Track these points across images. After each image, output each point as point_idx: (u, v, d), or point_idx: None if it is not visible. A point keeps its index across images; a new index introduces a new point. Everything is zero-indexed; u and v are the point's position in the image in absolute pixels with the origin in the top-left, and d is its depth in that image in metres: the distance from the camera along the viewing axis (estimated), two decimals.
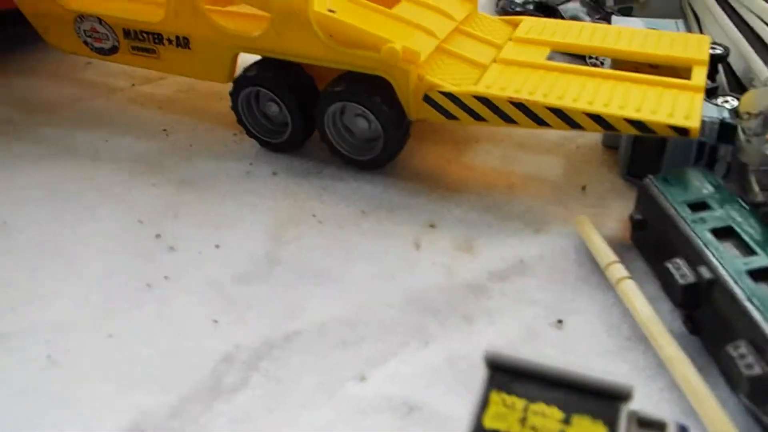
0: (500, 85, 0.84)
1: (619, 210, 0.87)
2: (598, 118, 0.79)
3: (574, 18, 1.18)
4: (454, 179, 0.94)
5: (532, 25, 0.98)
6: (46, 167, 1.00)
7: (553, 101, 0.80)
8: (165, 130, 1.07)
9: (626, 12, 1.25)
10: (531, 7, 1.21)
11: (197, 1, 0.93)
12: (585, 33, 0.96)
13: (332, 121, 0.93)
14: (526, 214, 0.88)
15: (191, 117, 1.10)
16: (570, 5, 1.20)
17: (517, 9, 1.23)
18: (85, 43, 1.09)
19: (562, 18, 1.18)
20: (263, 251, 0.83)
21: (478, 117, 0.85)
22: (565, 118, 0.80)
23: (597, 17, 1.18)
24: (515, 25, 1.01)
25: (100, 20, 1.04)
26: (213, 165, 0.99)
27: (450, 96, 0.85)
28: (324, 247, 0.84)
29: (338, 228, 0.86)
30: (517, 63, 0.88)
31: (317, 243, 0.84)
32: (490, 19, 1.02)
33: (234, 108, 0.99)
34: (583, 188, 0.91)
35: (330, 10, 0.88)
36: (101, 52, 1.09)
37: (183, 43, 0.99)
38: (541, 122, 0.82)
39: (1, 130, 1.09)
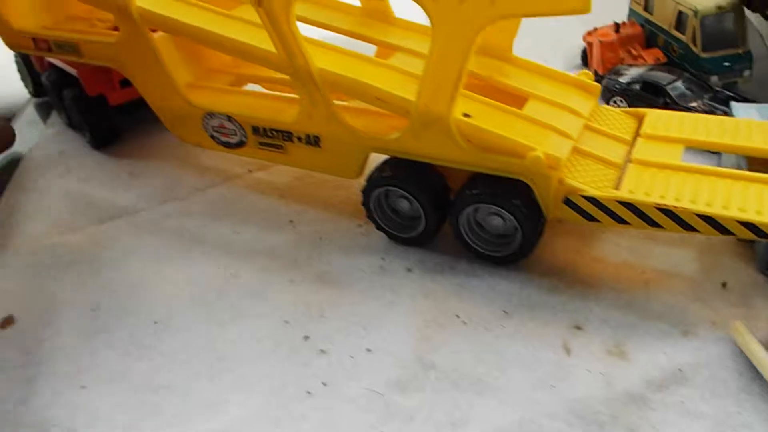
0: (643, 189, 0.86)
1: (767, 310, 0.87)
2: (752, 227, 0.80)
3: (682, 97, 1.19)
4: (588, 274, 0.95)
5: (658, 119, 1.00)
6: (184, 263, 1.04)
7: (703, 208, 0.81)
8: (291, 221, 1.11)
9: (729, 86, 1.26)
10: (637, 86, 1.23)
11: (332, 105, 0.97)
12: (714, 128, 0.97)
13: (466, 221, 0.96)
14: (668, 313, 0.88)
15: (313, 206, 1.14)
16: (678, 84, 1.21)
17: (622, 87, 1.25)
18: (212, 137, 1.14)
19: (671, 97, 1.19)
20: (414, 355, 0.85)
21: (620, 221, 0.86)
22: (716, 225, 0.81)
23: (706, 97, 1.19)
24: (639, 117, 1.02)
25: (230, 118, 1.09)
26: (345, 260, 1.02)
27: (592, 200, 0.86)
28: (473, 350, 0.85)
29: (484, 330, 0.88)
30: (654, 164, 0.90)
31: (466, 347, 0.86)
32: (613, 111, 1.03)
33: (365, 205, 1.02)
34: (724, 285, 0.91)
35: (465, 114, 0.91)
36: (227, 145, 1.14)
37: (314, 141, 1.03)
38: (688, 228, 0.83)
39: (133, 221, 1.14)
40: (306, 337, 0.89)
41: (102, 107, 1.33)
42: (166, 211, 1.17)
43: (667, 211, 0.83)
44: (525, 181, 0.89)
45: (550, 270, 0.96)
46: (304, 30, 0.97)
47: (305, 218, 1.12)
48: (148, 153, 1.35)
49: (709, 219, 0.81)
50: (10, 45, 1.31)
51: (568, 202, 0.88)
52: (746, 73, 1.28)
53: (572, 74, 1.05)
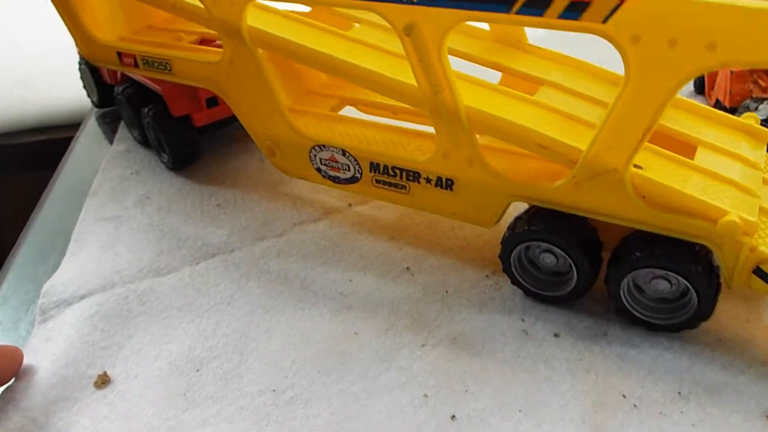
0: None
1: None
2: None
3: None
4: (766, 349, 0.84)
5: None
6: (296, 315, 0.93)
7: None
8: (408, 268, 1.00)
9: None
10: None
11: (478, 148, 0.86)
12: None
13: (627, 285, 0.85)
14: None
15: (430, 251, 1.03)
16: None
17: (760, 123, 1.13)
18: (318, 170, 1.03)
19: None
20: None
21: None
22: None
23: None
24: None
25: (344, 152, 0.98)
26: (480, 319, 0.91)
27: None
28: None
29: (659, 415, 0.76)
30: None
31: None
32: None
33: (504, 259, 0.91)
34: None
35: (636, 166, 0.80)
36: (335, 180, 1.03)
37: (446, 184, 0.92)
38: None
39: (229, 262, 1.03)
40: (453, 417, 0.78)
41: (185, 127, 1.22)
42: (264, 250, 1.06)
43: None
44: (707, 245, 0.78)
45: (719, 343, 0.85)
46: None
47: (423, 265, 1.01)
48: (233, 180, 1.24)
49: None
50: (92, 58, 1.20)
51: (759, 272, 0.77)
52: None
53: (737, 117, 0.94)
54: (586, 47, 0.97)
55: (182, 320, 0.94)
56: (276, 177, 1.23)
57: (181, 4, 1.01)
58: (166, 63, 1.09)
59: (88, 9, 1.17)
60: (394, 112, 1.13)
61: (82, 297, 0.99)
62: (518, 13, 0.72)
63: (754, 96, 1.24)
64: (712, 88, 1.33)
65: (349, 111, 1.14)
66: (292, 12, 1.03)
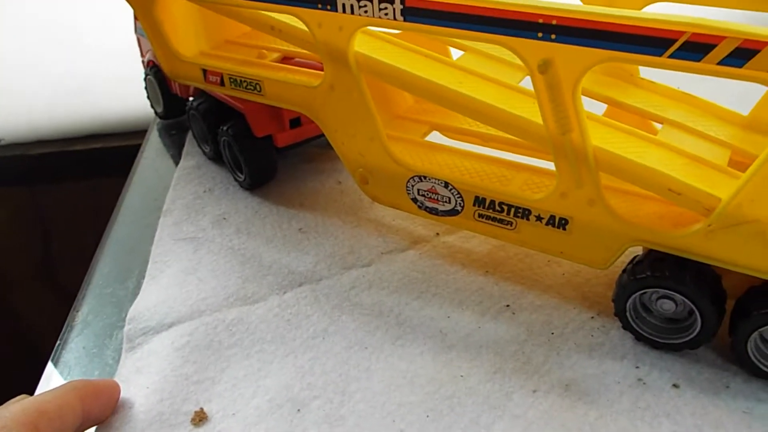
0: None
1: None
2: None
3: None
4: None
5: None
6: (396, 353, 0.89)
7: None
8: (508, 306, 0.96)
9: None
10: None
11: (602, 190, 0.82)
12: None
13: (754, 339, 0.81)
14: None
15: (528, 287, 0.99)
16: None
17: None
18: (414, 200, 1.00)
19: None
20: None
21: None
22: None
23: None
24: None
25: (447, 184, 0.95)
26: (591, 365, 0.86)
27: None
28: None
29: None
30: None
31: None
32: None
33: (618, 303, 0.87)
34: None
35: None
36: (432, 212, 0.99)
37: (560, 224, 0.88)
38: None
39: (318, 292, 1.00)
40: None
41: (265, 147, 1.19)
42: (353, 281, 1.02)
43: None
44: None
45: None
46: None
47: (524, 303, 0.97)
48: (311, 202, 1.21)
49: None
50: (174, 75, 1.17)
51: None
52: None
53: None
54: (693, 82, 0.93)
55: (276, 354, 0.91)
56: (356, 200, 1.20)
57: (283, 26, 0.98)
58: (257, 84, 1.06)
59: (172, 24, 1.15)
60: (484, 140, 1.10)
61: (170, 325, 0.96)
62: (673, 57, 0.68)
63: None
64: None
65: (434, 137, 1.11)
66: (394, 36, 1.00)
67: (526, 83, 0.96)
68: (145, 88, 1.53)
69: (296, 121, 1.17)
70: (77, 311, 1.04)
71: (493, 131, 1.04)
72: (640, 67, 1.01)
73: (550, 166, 0.88)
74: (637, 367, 0.86)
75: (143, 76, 1.51)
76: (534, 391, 0.84)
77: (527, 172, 0.95)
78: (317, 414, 0.83)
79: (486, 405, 0.82)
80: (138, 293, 1.04)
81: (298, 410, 0.83)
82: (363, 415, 0.82)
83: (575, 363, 0.87)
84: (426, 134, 1.10)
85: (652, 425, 0.79)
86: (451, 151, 1.01)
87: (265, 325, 0.95)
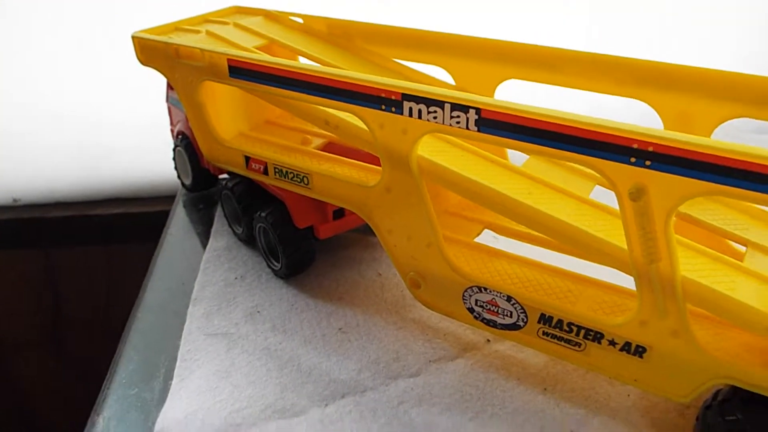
0: None
1: None
2: None
3: None
4: None
5: None
6: None
7: None
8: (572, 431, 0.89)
9: None
10: None
11: (688, 323, 0.75)
12: None
13: None
14: None
15: (593, 410, 0.90)
16: None
17: None
18: (471, 310, 0.93)
19: None
20: None
21: None
22: None
23: None
24: None
25: (510, 298, 0.89)
26: None
27: None
28: None
29: None
30: None
31: None
32: None
33: None
34: None
35: None
36: (490, 324, 0.92)
37: (636, 351, 0.82)
38: None
39: (362, 405, 0.91)
40: None
41: (306, 237, 1.13)
42: (401, 394, 0.94)
43: None
44: None
45: None
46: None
47: (590, 431, 0.90)
48: (351, 296, 1.14)
49: None
50: (215, 160, 1.12)
51: None
52: None
53: None
54: None
55: None
56: (398, 296, 1.13)
57: (336, 121, 0.93)
58: (306, 177, 1.00)
59: (214, 107, 1.10)
60: (542, 243, 1.04)
61: None
62: None
63: None
64: None
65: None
66: (458, 139, 0.95)
67: (596, 194, 0.91)
68: (173, 158, 1.48)
69: (340, 212, 1.11)
70: (98, 415, 0.95)
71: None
72: None
73: (618, 280, 0.82)
74: None
75: (173, 146, 1.46)
76: None
77: (595, 288, 0.89)
78: None
79: None
80: (165, 396, 0.96)
81: None
82: None
83: None
84: (478, 234, 1.04)
85: None
86: (511, 259, 0.95)
87: None
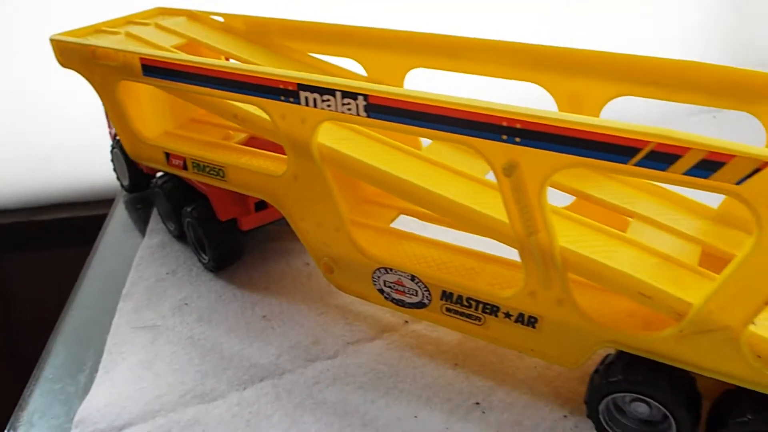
0: None
1: None
2: None
3: None
4: None
5: None
6: None
7: None
8: (478, 404, 0.92)
9: None
10: None
11: (570, 292, 0.80)
12: None
13: None
14: None
15: (499, 383, 0.95)
16: None
17: None
18: (381, 291, 0.97)
19: None
20: None
21: None
22: None
23: None
24: None
25: (413, 277, 0.92)
26: None
27: None
28: None
29: None
30: None
31: None
32: None
33: (591, 406, 0.83)
34: None
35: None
36: (399, 303, 0.96)
37: (528, 321, 0.86)
38: None
39: (279, 387, 0.94)
40: None
41: (230, 230, 1.16)
42: (317, 374, 0.98)
43: None
44: None
45: None
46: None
47: (494, 401, 0.93)
48: (277, 286, 1.17)
49: None
50: (137, 158, 1.15)
51: None
52: None
53: None
54: None
55: None
56: (324, 285, 1.17)
57: (244, 114, 0.97)
58: (220, 169, 1.03)
59: (137, 106, 1.13)
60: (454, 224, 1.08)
61: (120, 429, 0.90)
62: (638, 165, 0.67)
63: None
64: None
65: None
66: (360, 126, 0.98)
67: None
68: (112, 160, 1.50)
69: (262, 204, 1.14)
70: (22, 411, 0.97)
71: None
72: None
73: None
74: None
75: (110, 148, 1.48)
76: None
77: (496, 265, 0.93)
78: None
79: None
80: (90, 389, 0.99)
81: None
82: None
83: None
84: (393, 220, 1.08)
85: None
86: (419, 241, 0.98)
87: (223, 427, 0.90)
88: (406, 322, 1.07)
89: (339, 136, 0.94)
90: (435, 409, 0.91)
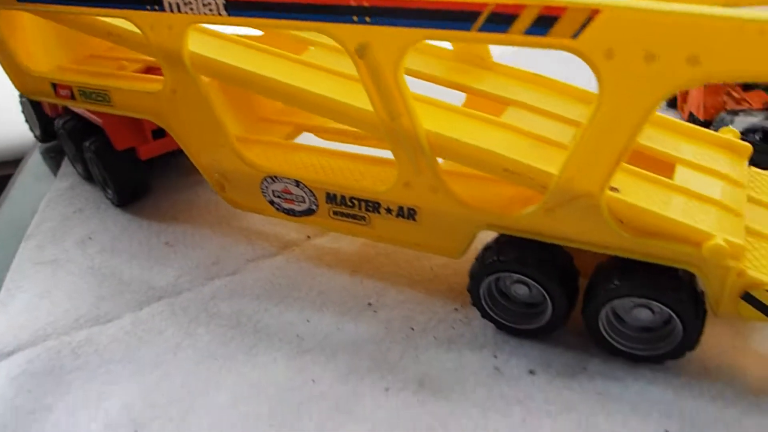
0: None
1: None
2: None
3: None
4: (758, 377, 0.77)
5: None
6: (248, 363, 0.84)
7: None
8: (370, 304, 0.92)
9: None
10: (757, 136, 1.08)
11: (441, 175, 0.79)
12: None
13: (606, 316, 0.79)
14: None
15: (393, 284, 0.96)
16: None
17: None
18: (271, 202, 0.96)
19: None
20: None
21: None
22: None
23: None
24: None
25: (298, 183, 0.91)
26: (448, 358, 0.83)
27: None
28: None
29: None
30: None
31: None
32: (764, 174, 0.88)
33: (473, 291, 0.84)
34: None
35: (612, 188, 0.74)
36: (290, 213, 0.95)
37: (408, 214, 0.85)
38: None
39: (176, 306, 0.94)
40: None
41: (130, 160, 1.14)
42: (214, 291, 0.97)
43: None
44: (691, 270, 0.73)
45: (706, 372, 0.79)
46: None
47: (387, 300, 0.93)
48: (184, 215, 1.16)
49: None
50: (25, 91, 1.12)
51: (748, 297, 0.71)
52: None
53: (713, 131, 0.90)
54: (557, 63, 0.92)
55: (121, 375, 0.85)
56: (230, 210, 1.14)
57: (118, 30, 0.94)
58: (105, 94, 1.01)
59: (20, 39, 1.09)
60: (357, 138, 1.07)
61: (9, 354, 0.89)
62: (481, 30, 0.66)
63: (728, 109, 1.21)
64: (684, 101, 1.29)
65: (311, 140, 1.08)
66: (240, 36, 0.96)
67: None
68: (22, 111, 1.47)
69: (160, 132, 1.12)
70: None
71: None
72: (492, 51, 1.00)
73: None
74: (495, 357, 0.83)
75: (18, 99, 1.45)
76: (386, 390, 0.79)
77: (381, 166, 0.92)
78: None
79: (335, 409, 0.77)
80: None
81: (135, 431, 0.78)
82: (204, 431, 0.77)
83: (432, 358, 0.83)
84: (291, 135, 1.07)
85: (503, 414, 0.75)
86: (308, 150, 0.98)
87: (115, 345, 0.89)
88: (309, 237, 1.07)
89: (216, 46, 0.92)
90: (327, 312, 0.92)
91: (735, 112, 1.15)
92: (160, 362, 0.86)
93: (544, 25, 0.64)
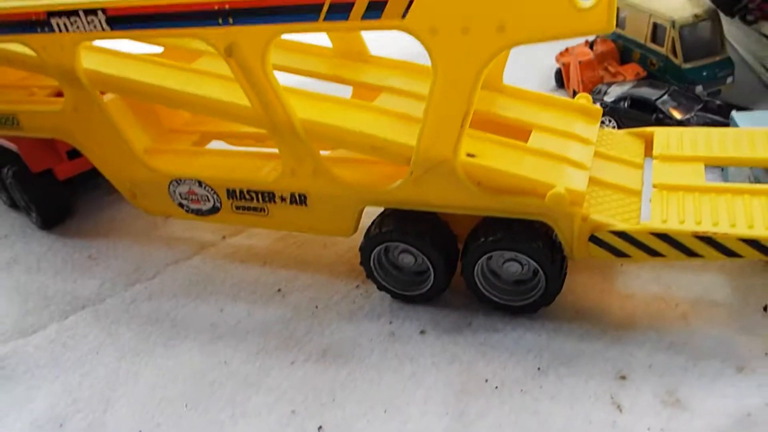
0: (675, 217, 0.78)
1: None
2: None
3: (675, 111, 1.14)
4: (620, 315, 0.87)
5: (668, 138, 0.93)
6: (165, 354, 0.90)
7: (745, 232, 0.74)
8: (280, 290, 0.99)
9: (714, 94, 1.22)
10: (625, 104, 1.18)
11: (319, 159, 0.87)
12: (729, 141, 0.91)
13: (480, 270, 0.87)
14: (716, 349, 0.80)
15: (302, 270, 1.03)
16: (667, 98, 1.16)
17: (609, 106, 1.19)
18: (180, 205, 1.02)
19: (662, 112, 1.14)
20: None
21: (655, 253, 0.78)
22: (762, 248, 0.74)
23: (697, 108, 1.14)
24: (646, 138, 0.96)
25: (200, 182, 0.98)
26: (349, 329, 0.90)
27: (622, 235, 0.78)
28: (516, 422, 0.75)
29: (521, 392, 0.78)
30: (679, 188, 0.82)
31: (507, 419, 0.75)
32: (617, 134, 0.97)
33: (365, 265, 0.91)
34: (766, 308, 0.84)
35: (469, 154, 0.82)
36: (199, 213, 1.02)
37: (300, 200, 0.92)
38: (731, 254, 0.75)
39: (99, 312, 1.00)
40: (320, 428, 0.77)
41: (49, 183, 1.18)
42: (135, 295, 1.03)
43: (707, 239, 0.75)
44: (544, 221, 0.81)
45: (576, 315, 0.87)
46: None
47: (295, 285, 1.00)
48: (107, 230, 1.21)
49: (754, 243, 0.74)
50: None
51: (594, 239, 0.80)
52: (729, 79, 1.24)
53: (571, 99, 0.99)
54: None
55: (45, 378, 0.90)
56: (150, 221, 1.21)
57: (15, 57, 1.00)
58: (12, 118, 1.07)
59: None
60: (258, 140, 1.14)
61: None
62: (326, 20, 0.74)
63: (605, 81, 1.31)
64: (569, 80, 1.40)
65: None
66: (140, 54, 1.03)
67: None
68: None
69: (75, 152, 1.18)
70: None
71: (263, 131, 1.08)
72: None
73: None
74: (391, 323, 0.90)
75: None
76: (292, 363, 0.86)
77: (276, 159, 0.99)
78: (79, 425, 0.82)
79: (244, 384, 0.84)
80: None
81: (61, 425, 0.83)
82: (124, 417, 0.82)
83: (334, 330, 0.90)
84: (199, 143, 1.13)
85: (395, 371, 0.83)
86: (211, 153, 1.05)
87: (40, 353, 0.94)
88: (224, 237, 1.13)
89: (107, 61, 0.99)
90: (240, 301, 0.98)
91: (609, 84, 1.26)
92: (84, 362, 0.91)
93: (376, 9, 0.72)
